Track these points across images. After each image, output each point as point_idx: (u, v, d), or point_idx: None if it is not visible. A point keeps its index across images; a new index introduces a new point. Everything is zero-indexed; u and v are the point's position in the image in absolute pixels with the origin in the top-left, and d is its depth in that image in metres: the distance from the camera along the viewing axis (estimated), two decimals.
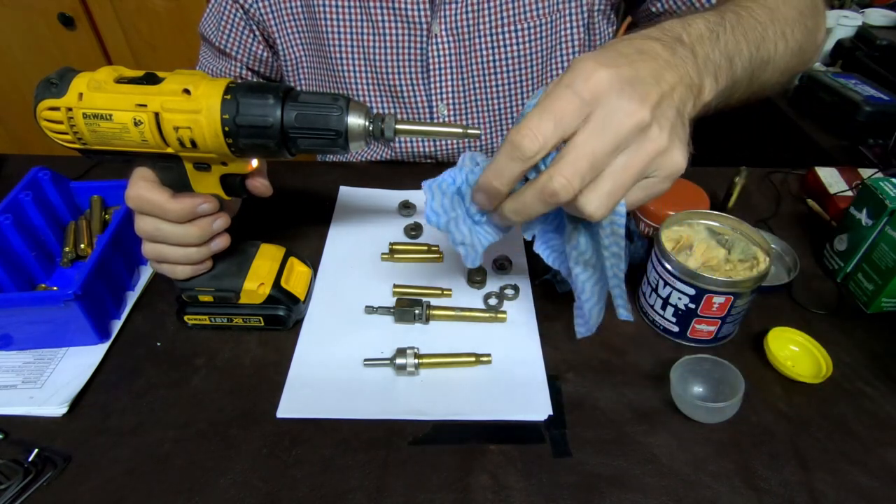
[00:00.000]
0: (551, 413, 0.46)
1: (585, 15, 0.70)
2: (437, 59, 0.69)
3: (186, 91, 0.40)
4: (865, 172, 0.71)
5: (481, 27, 0.68)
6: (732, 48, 0.43)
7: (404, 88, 0.72)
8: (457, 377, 0.49)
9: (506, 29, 0.68)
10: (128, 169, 0.46)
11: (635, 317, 0.55)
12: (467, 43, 0.69)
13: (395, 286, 0.57)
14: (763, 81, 0.50)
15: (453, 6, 0.67)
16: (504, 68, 0.71)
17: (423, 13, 0.67)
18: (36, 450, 0.43)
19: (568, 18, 0.70)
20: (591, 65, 0.34)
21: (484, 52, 0.70)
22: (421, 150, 0.77)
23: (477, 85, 0.72)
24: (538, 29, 0.69)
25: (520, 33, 0.69)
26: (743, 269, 0.49)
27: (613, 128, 0.33)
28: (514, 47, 0.69)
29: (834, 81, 1.09)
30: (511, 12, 0.68)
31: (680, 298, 0.49)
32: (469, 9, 0.67)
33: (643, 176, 0.36)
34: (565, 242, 0.43)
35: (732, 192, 0.65)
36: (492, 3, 0.67)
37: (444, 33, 0.68)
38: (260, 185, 0.48)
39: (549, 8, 0.68)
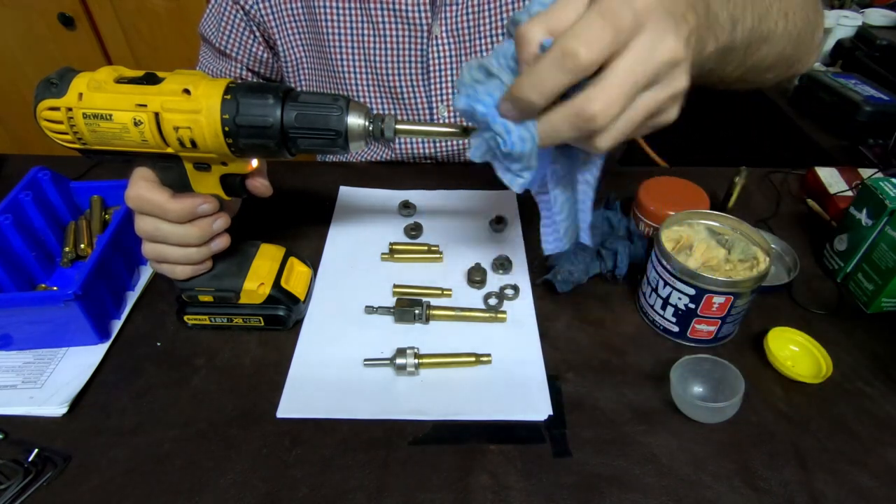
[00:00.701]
0: (551, 413, 0.46)
1: None
2: (437, 61, 0.69)
3: (186, 91, 0.40)
4: (865, 172, 0.71)
5: (482, 29, 0.68)
6: (738, 13, 0.42)
7: (404, 89, 0.72)
8: (457, 377, 0.49)
9: (505, 30, 0.68)
10: (128, 169, 0.46)
11: (636, 317, 0.55)
12: (468, 44, 0.69)
13: (395, 286, 0.57)
14: (757, 60, 0.50)
15: (454, 8, 0.67)
16: None
17: (423, 14, 0.67)
18: (36, 450, 0.43)
19: None
20: None
21: (484, 54, 0.70)
22: (421, 150, 0.77)
23: None
24: None
25: None
26: (743, 269, 0.49)
27: (656, 59, 0.31)
28: None
29: (834, 81, 1.09)
30: (511, 13, 0.67)
31: (680, 298, 0.49)
32: (469, 10, 0.67)
33: (655, 81, 0.33)
34: (548, 163, 0.40)
35: (732, 192, 0.65)
36: (492, 5, 0.67)
37: (444, 35, 0.68)
38: (260, 186, 0.48)
39: None
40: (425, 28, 0.68)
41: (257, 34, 0.74)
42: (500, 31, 0.68)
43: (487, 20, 0.68)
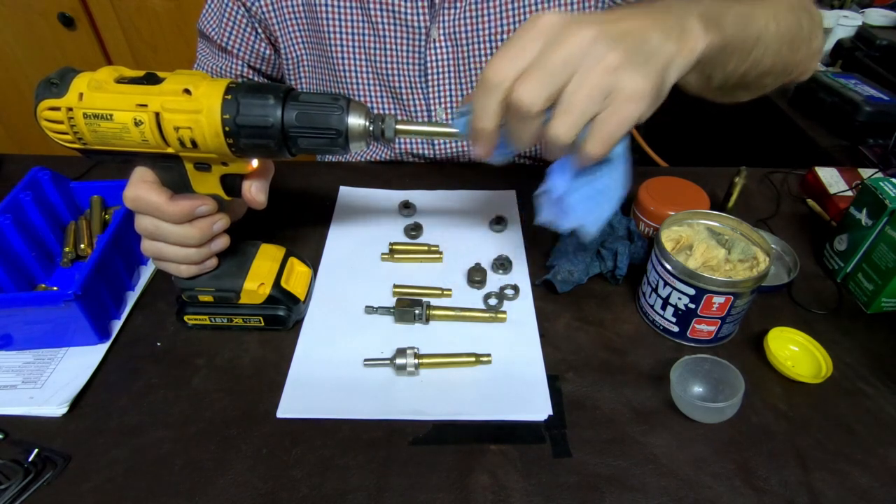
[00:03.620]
0: (551, 413, 0.46)
1: None
2: (434, 64, 0.69)
3: (187, 91, 0.40)
4: (865, 172, 0.71)
5: (480, 33, 0.68)
6: (716, 10, 0.44)
7: (403, 90, 0.72)
8: (457, 377, 0.49)
9: (504, 35, 0.68)
10: (128, 169, 0.46)
11: (636, 317, 0.55)
12: (465, 48, 0.69)
13: (395, 286, 0.57)
14: (756, 59, 0.51)
15: (452, 11, 0.67)
16: None
17: (421, 18, 0.67)
18: (36, 450, 0.43)
19: None
20: (545, 14, 0.38)
21: (482, 58, 0.70)
22: (421, 150, 0.77)
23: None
24: None
25: None
26: (743, 269, 0.49)
27: (562, 46, 0.36)
28: None
29: (834, 81, 1.09)
30: (510, 19, 0.67)
31: (680, 298, 0.49)
32: (467, 14, 0.67)
33: (603, 94, 0.37)
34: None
35: (732, 192, 0.65)
36: (490, 10, 0.67)
37: (442, 38, 0.68)
38: (256, 195, 0.47)
39: None
40: (423, 31, 0.68)
41: (259, 30, 0.74)
42: (497, 35, 0.68)
43: (486, 25, 0.68)
